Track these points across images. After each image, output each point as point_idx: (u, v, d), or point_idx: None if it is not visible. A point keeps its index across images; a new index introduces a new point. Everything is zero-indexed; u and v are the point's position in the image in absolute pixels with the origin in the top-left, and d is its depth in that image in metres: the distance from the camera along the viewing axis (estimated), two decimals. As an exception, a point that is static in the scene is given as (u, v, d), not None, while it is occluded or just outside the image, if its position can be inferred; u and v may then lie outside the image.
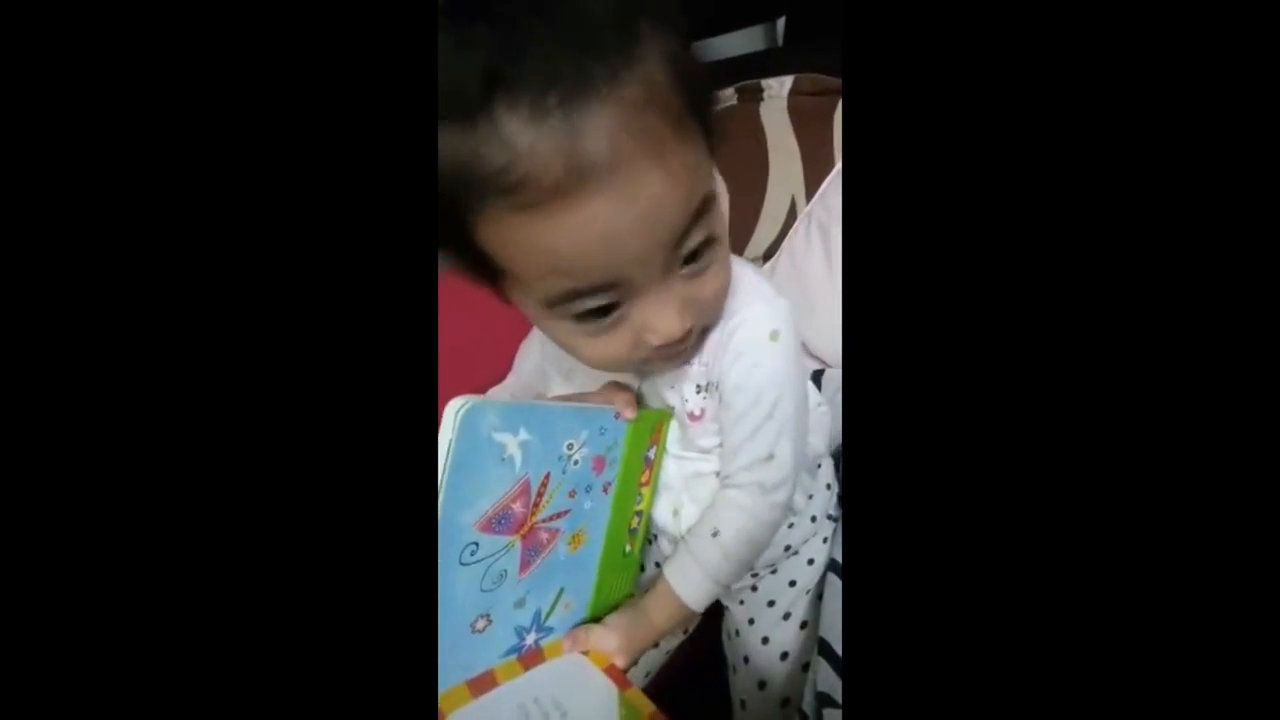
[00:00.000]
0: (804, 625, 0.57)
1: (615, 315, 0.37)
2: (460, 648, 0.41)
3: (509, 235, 0.34)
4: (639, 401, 0.48)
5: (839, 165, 0.86)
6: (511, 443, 0.39)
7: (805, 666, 0.56)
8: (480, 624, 0.42)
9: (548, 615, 0.46)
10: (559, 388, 0.53)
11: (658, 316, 0.37)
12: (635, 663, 0.47)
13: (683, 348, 0.41)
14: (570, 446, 0.43)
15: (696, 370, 0.46)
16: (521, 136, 0.30)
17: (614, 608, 0.49)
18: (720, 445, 0.48)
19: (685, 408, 0.47)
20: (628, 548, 0.51)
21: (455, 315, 0.46)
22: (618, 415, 0.45)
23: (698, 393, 0.46)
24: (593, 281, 0.35)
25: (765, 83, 0.97)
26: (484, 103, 0.30)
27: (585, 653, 0.46)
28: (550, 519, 0.43)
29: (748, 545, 0.48)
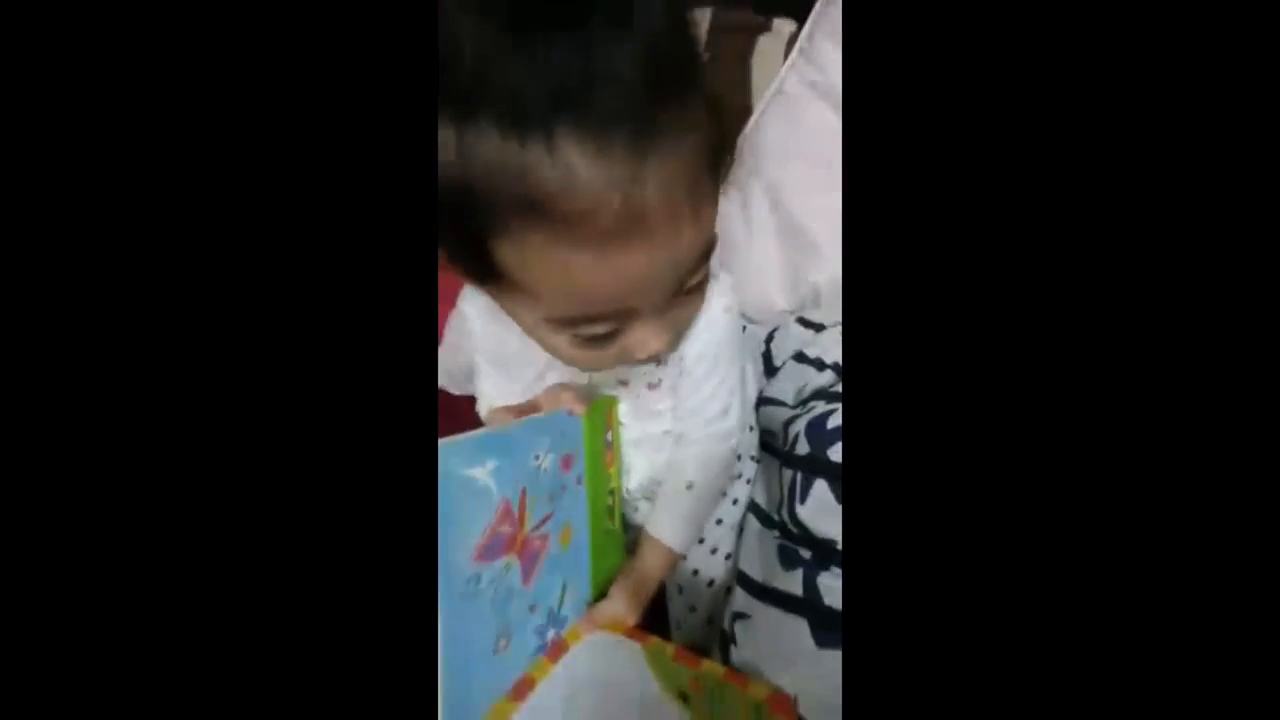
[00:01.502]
0: (728, 557, 0.65)
1: (613, 338, 0.39)
2: (490, 672, 0.43)
3: (537, 256, 0.32)
4: (589, 389, 0.52)
5: (758, 111, 0.87)
6: (482, 473, 0.40)
7: (727, 591, 0.65)
8: (502, 644, 0.43)
9: (560, 606, 0.49)
10: (490, 376, 0.56)
11: (650, 339, 0.39)
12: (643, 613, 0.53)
13: (660, 358, 0.46)
14: (537, 458, 0.45)
15: None
16: (584, 168, 0.29)
17: (610, 579, 0.54)
18: (673, 408, 0.54)
19: (645, 380, 0.52)
20: (609, 524, 0.56)
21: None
22: (570, 413, 0.48)
23: (658, 365, 0.52)
24: (605, 310, 0.36)
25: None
26: (546, 122, 0.28)
27: (603, 626, 0.50)
28: (538, 526, 0.46)
29: (715, 487, 0.58)
